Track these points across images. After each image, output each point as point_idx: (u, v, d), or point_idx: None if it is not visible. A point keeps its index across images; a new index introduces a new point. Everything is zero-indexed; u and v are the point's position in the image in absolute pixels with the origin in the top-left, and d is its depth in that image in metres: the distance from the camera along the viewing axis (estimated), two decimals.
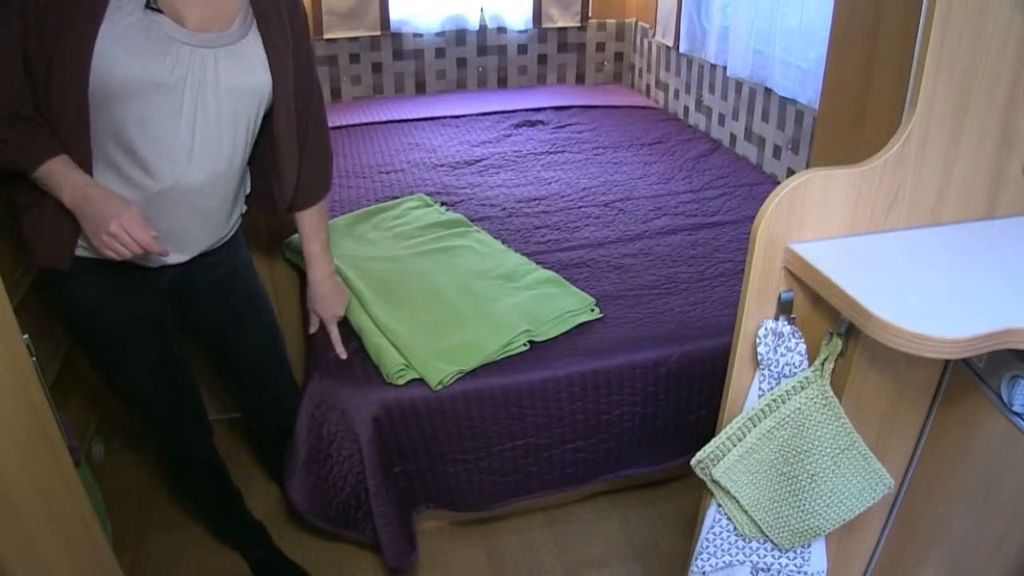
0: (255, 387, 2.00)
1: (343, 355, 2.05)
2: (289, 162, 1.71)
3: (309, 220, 1.91)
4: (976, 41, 1.24)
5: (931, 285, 1.16)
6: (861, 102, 1.57)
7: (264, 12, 1.55)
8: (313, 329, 2.10)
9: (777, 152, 3.42)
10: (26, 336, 1.20)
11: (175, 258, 1.61)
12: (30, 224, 1.49)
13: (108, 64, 1.35)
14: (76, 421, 2.30)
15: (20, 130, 1.37)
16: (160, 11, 1.41)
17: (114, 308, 1.63)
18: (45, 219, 1.47)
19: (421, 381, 1.98)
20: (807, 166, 2.06)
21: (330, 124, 1.87)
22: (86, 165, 1.42)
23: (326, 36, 4.35)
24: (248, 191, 1.79)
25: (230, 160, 1.57)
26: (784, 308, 1.30)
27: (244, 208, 1.79)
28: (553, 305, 2.22)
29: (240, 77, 1.51)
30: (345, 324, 2.14)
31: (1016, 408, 1.16)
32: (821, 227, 1.27)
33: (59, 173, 1.39)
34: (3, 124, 1.36)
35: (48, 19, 1.31)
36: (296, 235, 2.03)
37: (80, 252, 1.52)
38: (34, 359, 1.21)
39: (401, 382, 1.97)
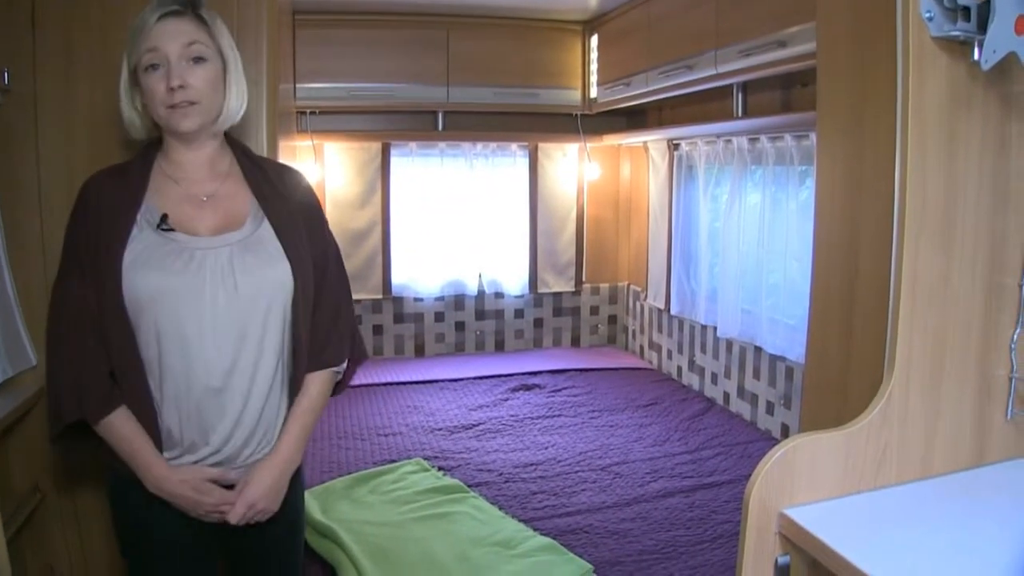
0: None
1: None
2: (300, 346, 1.66)
3: (305, 386, 1.71)
4: (944, 299, 1.30)
5: (927, 542, 1.14)
6: (845, 357, 1.61)
7: (274, 209, 1.64)
8: (235, 519, 1.56)
9: (770, 408, 3.44)
10: None
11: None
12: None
13: (134, 280, 1.49)
14: None
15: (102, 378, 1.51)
16: (172, 229, 1.54)
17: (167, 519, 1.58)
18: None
19: None
20: (799, 421, 2.08)
21: None
22: (140, 380, 1.52)
23: None
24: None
25: (257, 354, 1.57)
26: (781, 573, 1.26)
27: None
28: (551, 573, 2.16)
29: (258, 267, 1.57)
30: None
31: None
32: (813, 490, 1.26)
33: (129, 448, 1.51)
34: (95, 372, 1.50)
35: (90, 256, 1.51)
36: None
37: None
38: None
39: None
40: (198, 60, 1.53)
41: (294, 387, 1.65)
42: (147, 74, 1.51)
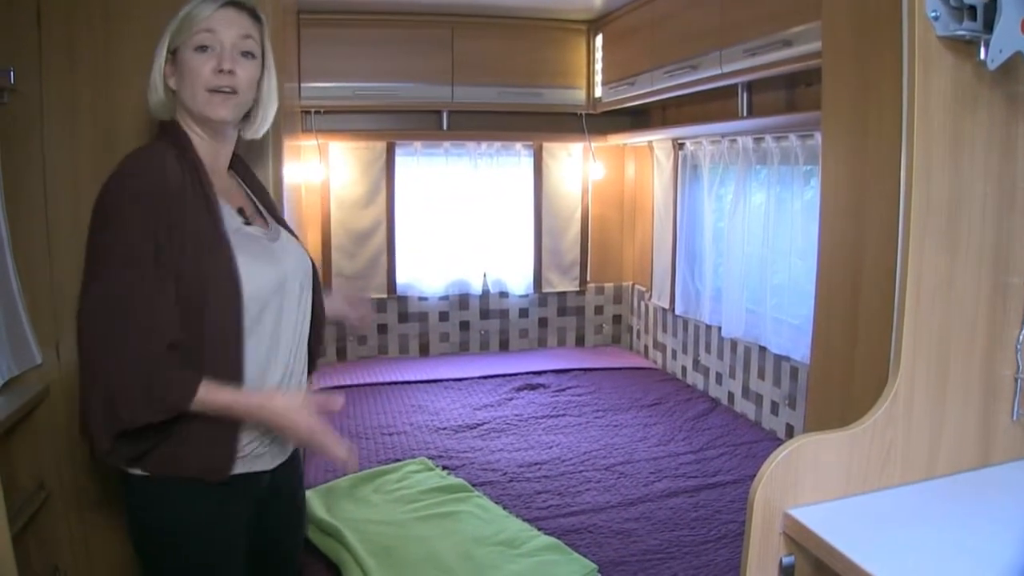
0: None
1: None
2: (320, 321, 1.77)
3: None
4: (949, 299, 1.30)
5: (931, 543, 1.14)
6: (849, 357, 1.61)
7: (270, 206, 1.73)
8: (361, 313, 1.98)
9: (775, 408, 3.44)
10: None
11: (278, 459, 1.64)
12: (178, 436, 1.45)
13: (248, 272, 1.48)
14: None
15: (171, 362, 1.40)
16: (251, 223, 1.58)
17: (214, 521, 1.55)
18: (196, 429, 1.45)
19: None
20: (804, 422, 2.08)
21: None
22: (238, 373, 1.48)
23: None
24: None
25: (305, 337, 1.67)
26: (786, 574, 1.26)
27: None
28: (555, 573, 2.16)
29: (302, 258, 1.67)
30: None
31: None
32: (817, 490, 1.26)
33: (217, 400, 1.42)
34: (160, 357, 1.38)
35: (178, 241, 1.41)
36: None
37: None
38: None
39: None
40: (247, 55, 1.55)
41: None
42: (194, 54, 1.50)
